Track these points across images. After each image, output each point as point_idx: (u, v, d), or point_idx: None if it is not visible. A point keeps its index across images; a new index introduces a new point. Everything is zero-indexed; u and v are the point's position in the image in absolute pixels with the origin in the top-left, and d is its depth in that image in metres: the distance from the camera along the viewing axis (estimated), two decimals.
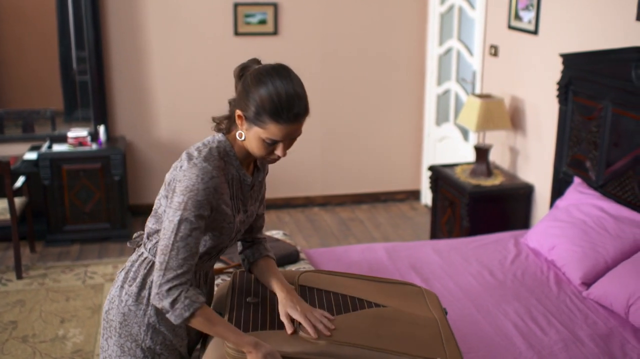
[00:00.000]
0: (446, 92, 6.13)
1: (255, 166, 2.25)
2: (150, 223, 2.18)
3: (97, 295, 4.59)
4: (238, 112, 2.06)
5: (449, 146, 6.06)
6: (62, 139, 5.61)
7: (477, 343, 2.94)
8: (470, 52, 5.66)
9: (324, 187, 6.48)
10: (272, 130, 2.01)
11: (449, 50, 6.01)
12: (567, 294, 3.38)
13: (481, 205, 4.74)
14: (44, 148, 5.38)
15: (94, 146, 5.55)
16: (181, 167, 2.05)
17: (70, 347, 3.97)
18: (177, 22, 5.83)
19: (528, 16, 4.74)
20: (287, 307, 2.13)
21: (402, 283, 2.53)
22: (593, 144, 4.01)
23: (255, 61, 2.17)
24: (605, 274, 3.39)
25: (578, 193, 3.96)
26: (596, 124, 3.97)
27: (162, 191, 2.13)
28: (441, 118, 6.26)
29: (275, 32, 5.99)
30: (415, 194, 6.66)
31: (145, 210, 6.20)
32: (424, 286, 3.42)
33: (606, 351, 2.89)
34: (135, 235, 2.33)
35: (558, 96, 4.27)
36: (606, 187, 3.92)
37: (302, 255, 3.60)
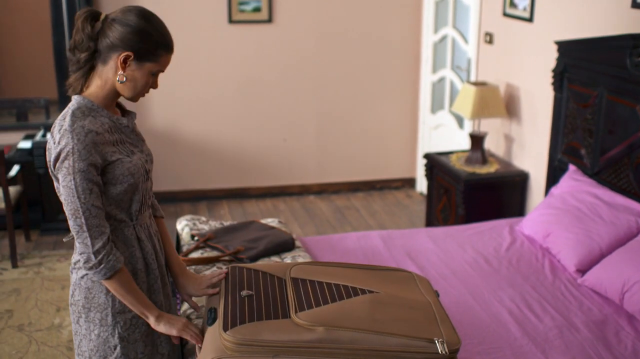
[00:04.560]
0: (441, 80, 6.12)
1: (121, 109, 2.31)
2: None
3: None
4: (124, 55, 2.09)
5: (444, 134, 6.06)
6: None
7: (472, 329, 2.95)
8: (466, 40, 5.65)
9: (319, 175, 6.48)
10: (163, 61, 2.17)
11: (444, 38, 6.00)
12: (562, 281, 3.40)
13: (476, 193, 4.74)
14: (38, 137, 5.36)
15: None
16: (57, 142, 2.07)
17: (66, 335, 3.97)
18: (171, 10, 5.81)
19: (523, 3, 4.73)
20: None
21: (393, 269, 2.55)
22: (588, 132, 4.01)
23: (96, 10, 2.17)
24: (599, 261, 3.40)
25: (573, 181, 3.97)
26: (591, 111, 3.97)
27: (53, 177, 2.16)
28: (436, 106, 6.25)
29: (269, 20, 5.97)
30: (410, 182, 6.66)
31: None
32: (420, 273, 3.44)
33: (601, 338, 2.90)
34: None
35: (553, 84, 4.27)
36: (601, 175, 3.93)
37: (297, 243, 3.60)
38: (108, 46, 2.10)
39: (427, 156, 5.26)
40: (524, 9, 4.72)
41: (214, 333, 2.12)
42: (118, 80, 2.13)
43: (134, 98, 2.20)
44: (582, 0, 4.15)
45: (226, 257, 3.30)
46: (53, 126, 2.13)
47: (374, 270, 2.49)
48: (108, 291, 2.17)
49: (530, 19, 4.66)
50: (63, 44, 5.63)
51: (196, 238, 3.54)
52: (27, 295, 4.43)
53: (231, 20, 5.91)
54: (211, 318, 2.17)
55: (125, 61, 2.10)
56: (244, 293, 2.22)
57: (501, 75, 5.10)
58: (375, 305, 2.21)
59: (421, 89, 6.36)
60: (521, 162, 4.92)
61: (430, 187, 5.26)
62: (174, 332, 2.18)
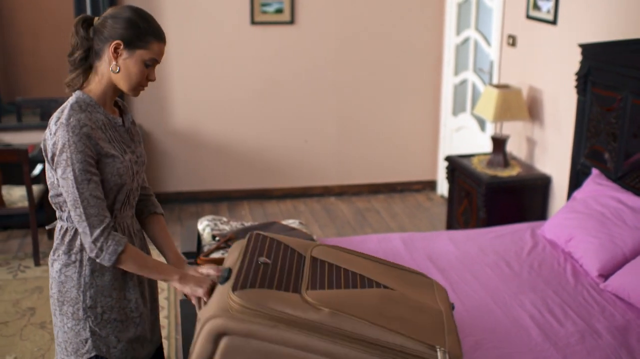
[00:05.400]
0: (463, 82, 6.10)
1: (120, 110, 2.35)
2: (52, 199, 2.24)
3: None
4: (114, 43, 2.15)
5: (466, 136, 6.04)
6: None
7: (493, 333, 2.93)
8: (488, 42, 5.62)
9: (340, 177, 6.48)
10: (154, 49, 2.20)
11: (466, 40, 5.98)
12: (584, 286, 3.37)
13: (498, 196, 4.72)
14: None
15: None
16: (52, 133, 2.13)
17: None
18: (194, 11, 5.84)
19: (547, 6, 4.70)
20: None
21: (415, 272, 2.53)
22: (612, 136, 3.98)
23: (90, 16, 2.26)
24: (623, 266, 3.37)
25: (596, 185, 3.94)
26: (615, 115, 3.94)
27: (47, 165, 2.20)
28: (458, 108, 6.23)
29: (291, 21, 5.98)
30: (431, 185, 6.64)
31: (162, 198, 6.23)
32: (440, 277, 3.43)
33: (623, 343, 2.87)
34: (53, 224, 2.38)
35: (576, 87, 4.23)
36: (625, 179, 3.89)
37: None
38: (101, 41, 2.18)
39: (448, 159, 5.25)
40: (548, 12, 4.69)
41: (223, 291, 2.12)
42: (111, 70, 2.18)
43: (132, 90, 2.24)
44: (606, 3, 4.11)
45: (222, 244, 3.31)
46: (51, 117, 2.19)
47: (395, 268, 2.48)
48: (80, 286, 2.21)
49: (554, 22, 4.62)
50: None
51: (217, 238, 3.56)
52: (49, 293, 4.46)
53: (253, 22, 5.92)
54: (224, 277, 2.18)
55: (116, 51, 2.16)
56: (262, 259, 2.22)
57: (524, 78, 5.07)
58: (385, 300, 2.19)
59: (443, 91, 6.34)
60: (543, 165, 4.89)
61: (451, 190, 5.24)
62: (200, 293, 2.20)
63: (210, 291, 2.20)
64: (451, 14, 6.09)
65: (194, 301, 2.24)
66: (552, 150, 4.78)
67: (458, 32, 6.07)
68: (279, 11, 5.93)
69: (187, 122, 6.08)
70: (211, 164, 6.24)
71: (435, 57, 6.31)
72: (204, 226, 3.75)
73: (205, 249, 3.50)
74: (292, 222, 3.88)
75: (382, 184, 6.57)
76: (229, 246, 3.45)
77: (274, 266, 2.21)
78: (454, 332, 2.20)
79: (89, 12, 5.58)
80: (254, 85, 6.08)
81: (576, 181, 4.31)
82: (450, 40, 6.14)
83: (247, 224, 3.81)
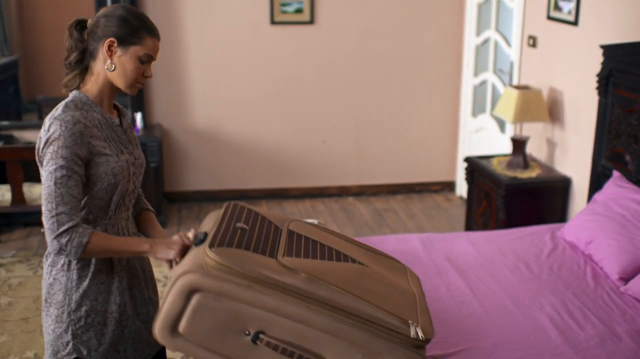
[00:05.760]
0: (483, 83, 6.07)
1: (117, 111, 2.36)
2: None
3: None
4: (108, 41, 2.16)
5: (485, 138, 6.01)
6: None
7: (512, 335, 2.92)
8: (508, 43, 5.60)
9: (358, 177, 6.47)
10: (148, 44, 2.20)
11: (486, 41, 5.95)
12: (605, 289, 3.35)
13: (517, 197, 4.70)
14: None
15: None
16: (46, 130, 2.12)
17: None
18: (214, 11, 5.86)
19: (568, 7, 4.67)
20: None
21: (389, 257, 2.49)
22: (633, 138, 3.95)
23: (83, 18, 2.27)
24: None
25: (617, 187, 3.91)
26: (637, 117, 3.91)
27: (39, 164, 2.20)
28: (477, 109, 6.21)
29: (311, 21, 5.98)
30: (450, 186, 6.62)
31: (181, 197, 6.26)
32: (459, 278, 3.42)
33: None
34: None
35: (598, 88, 4.21)
36: None
37: None
38: (95, 41, 2.19)
39: (467, 160, 5.23)
40: (569, 12, 4.66)
41: (198, 251, 2.05)
42: (107, 69, 2.19)
43: (128, 88, 2.24)
44: (628, 4, 4.08)
45: None
46: (47, 116, 2.19)
47: (370, 251, 2.45)
48: (66, 290, 2.20)
49: (575, 23, 4.60)
50: None
51: None
52: None
53: (273, 22, 5.93)
54: (200, 239, 2.11)
55: (110, 48, 2.17)
56: (239, 224, 2.17)
57: (544, 79, 5.04)
58: (361, 275, 2.16)
59: (462, 92, 6.32)
60: (563, 167, 4.86)
61: (470, 191, 5.22)
62: (171, 254, 2.14)
63: (183, 253, 2.13)
64: (471, 15, 6.07)
65: (167, 265, 2.18)
66: (572, 152, 4.75)
67: (478, 33, 6.05)
68: (299, 11, 5.94)
69: (206, 121, 6.11)
70: (230, 163, 6.26)
71: (455, 57, 6.29)
72: None
73: None
74: (311, 222, 3.88)
75: (400, 184, 6.56)
76: None
77: (251, 232, 2.16)
78: (426, 312, 2.17)
79: None
80: (273, 85, 6.10)
81: (597, 183, 4.28)
82: (470, 40, 6.12)
83: None
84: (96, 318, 2.24)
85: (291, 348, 1.97)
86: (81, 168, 2.11)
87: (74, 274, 2.21)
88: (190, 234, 2.18)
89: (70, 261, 2.21)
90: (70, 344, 2.23)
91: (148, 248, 2.16)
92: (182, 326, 1.96)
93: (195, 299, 1.94)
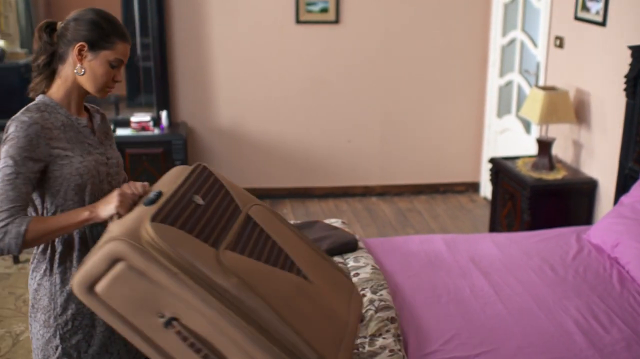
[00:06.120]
0: (508, 84, 6.04)
1: (88, 112, 2.35)
2: None
3: None
4: (78, 45, 2.15)
5: (510, 139, 5.98)
6: (126, 123, 5.72)
7: (536, 338, 2.90)
8: (535, 44, 5.56)
9: (382, 177, 6.46)
10: (119, 49, 2.19)
11: (512, 41, 5.92)
12: (631, 293, 3.31)
13: (543, 199, 4.66)
14: None
15: (156, 131, 5.65)
16: (5, 131, 2.11)
17: None
18: (239, 10, 5.88)
19: (596, 7, 4.63)
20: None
21: (340, 270, 2.44)
22: None
23: (53, 21, 2.26)
24: None
25: None
26: None
27: None
28: (503, 110, 6.17)
29: (336, 21, 5.98)
30: (474, 186, 6.59)
31: None
32: (484, 280, 3.40)
33: None
34: None
35: (626, 90, 4.16)
36: None
37: (360, 244, 3.60)
38: (65, 44, 2.18)
39: (492, 161, 5.20)
40: (597, 13, 4.61)
41: (141, 214, 1.96)
42: (76, 73, 2.19)
43: (98, 91, 2.23)
44: None
45: None
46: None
47: (323, 259, 2.39)
48: (51, 294, 2.20)
49: (603, 23, 4.55)
50: (133, 41, 5.74)
51: None
52: None
53: (298, 21, 5.94)
54: (151, 199, 2.01)
55: (80, 53, 2.16)
56: (196, 198, 2.09)
57: (571, 80, 5.00)
58: (298, 292, 2.09)
59: (488, 92, 6.28)
60: (590, 169, 4.82)
61: (495, 192, 5.19)
62: (112, 208, 2.02)
63: (128, 207, 2.02)
64: (497, 15, 6.03)
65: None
66: (599, 153, 4.71)
67: (504, 33, 6.01)
68: (324, 10, 5.94)
69: (230, 120, 6.13)
70: (254, 162, 6.28)
71: (481, 58, 6.26)
72: None
73: None
74: (335, 222, 3.89)
75: (424, 184, 6.54)
76: None
77: (205, 209, 2.08)
78: (348, 350, 2.13)
79: (136, 9, 5.66)
80: (297, 84, 6.11)
81: (624, 185, 4.24)
82: (496, 41, 6.08)
83: (290, 222, 3.82)
84: (83, 320, 2.24)
85: (200, 344, 1.90)
86: (32, 170, 2.07)
87: (57, 279, 2.20)
88: (139, 186, 2.11)
89: (52, 266, 2.20)
90: (60, 348, 2.23)
91: (88, 214, 2.05)
92: (99, 287, 1.89)
93: (118, 267, 1.88)
